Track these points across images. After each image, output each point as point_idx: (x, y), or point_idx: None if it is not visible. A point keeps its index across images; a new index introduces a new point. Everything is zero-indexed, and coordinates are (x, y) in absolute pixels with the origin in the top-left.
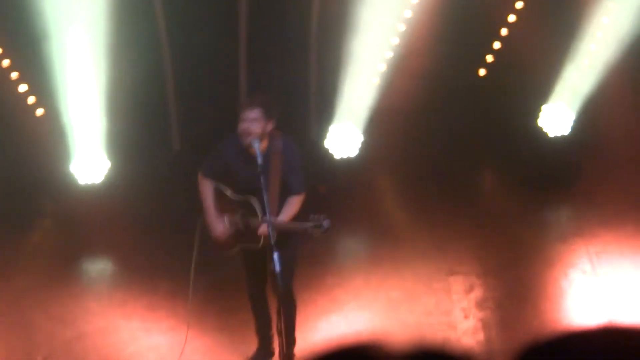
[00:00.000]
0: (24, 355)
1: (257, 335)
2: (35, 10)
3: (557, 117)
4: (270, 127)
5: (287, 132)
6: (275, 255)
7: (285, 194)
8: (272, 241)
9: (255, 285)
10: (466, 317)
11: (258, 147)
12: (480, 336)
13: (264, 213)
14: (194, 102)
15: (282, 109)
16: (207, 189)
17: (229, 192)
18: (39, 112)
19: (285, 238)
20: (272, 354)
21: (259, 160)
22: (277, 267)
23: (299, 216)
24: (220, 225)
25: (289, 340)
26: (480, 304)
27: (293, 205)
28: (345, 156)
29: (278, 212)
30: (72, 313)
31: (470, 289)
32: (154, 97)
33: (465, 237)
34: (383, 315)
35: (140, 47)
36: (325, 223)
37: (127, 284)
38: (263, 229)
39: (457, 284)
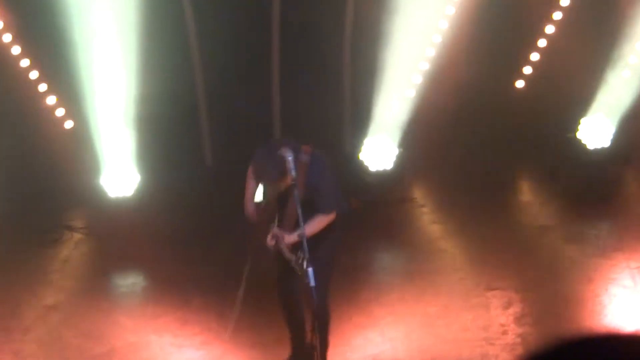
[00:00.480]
0: None
1: (290, 344)
2: (63, 21)
3: (596, 129)
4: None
5: (321, 144)
6: (310, 271)
7: (308, 210)
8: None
9: (286, 286)
10: (505, 332)
11: (292, 161)
12: (519, 352)
13: (278, 223)
14: (226, 116)
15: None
16: (249, 179)
17: (262, 192)
18: (68, 124)
19: (315, 246)
20: None
21: (293, 173)
22: (312, 282)
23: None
24: (251, 206)
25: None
26: (519, 320)
27: (315, 223)
28: (380, 169)
29: (294, 227)
30: (102, 328)
31: (508, 305)
32: (185, 110)
33: (503, 252)
34: (420, 331)
35: (172, 60)
36: (304, 267)
37: (158, 299)
38: (269, 238)
39: (496, 299)
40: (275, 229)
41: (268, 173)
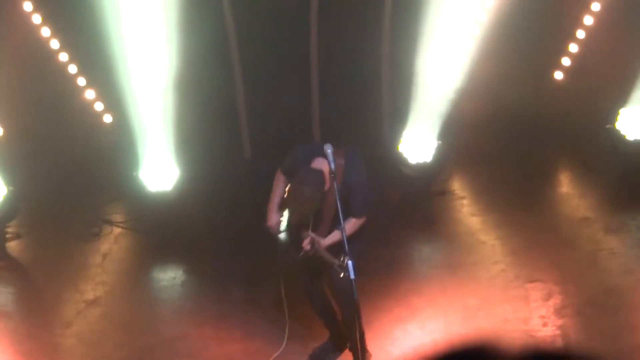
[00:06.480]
0: None
1: (327, 329)
2: (102, 15)
3: (635, 120)
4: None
5: (360, 136)
6: (350, 264)
7: (344, 213)
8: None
9: (311, 282)
10: (544, 325)
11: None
12: (559, 344)
13: (312, 228)
14: (264, 110)
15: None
16: (279, 183)
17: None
18: (107, 118)
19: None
20: (342, 348)
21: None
22: (352, 275)
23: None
24: (274, 218)
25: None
26: (559, 312)
27: (347, 227)
28: (419, 161)
29: (330, 231)
30: (142, 322)
31: (548, 297)
32: (224, 104)
33: (543, 244)
34: (459, 323)
35: (211, 54)
36: (346, 268)
37: (198, 292)
38: (305, 243)
39: (535, 291)
40: (311, 234)
41: (303, 174)
